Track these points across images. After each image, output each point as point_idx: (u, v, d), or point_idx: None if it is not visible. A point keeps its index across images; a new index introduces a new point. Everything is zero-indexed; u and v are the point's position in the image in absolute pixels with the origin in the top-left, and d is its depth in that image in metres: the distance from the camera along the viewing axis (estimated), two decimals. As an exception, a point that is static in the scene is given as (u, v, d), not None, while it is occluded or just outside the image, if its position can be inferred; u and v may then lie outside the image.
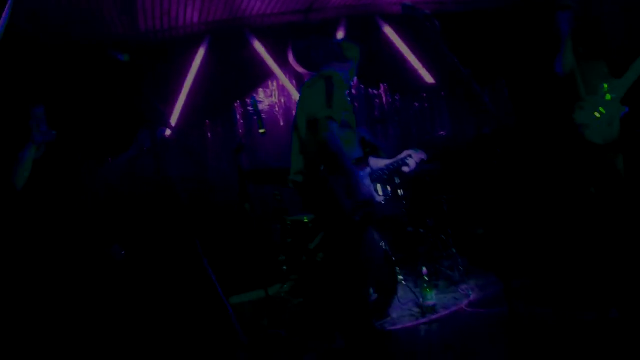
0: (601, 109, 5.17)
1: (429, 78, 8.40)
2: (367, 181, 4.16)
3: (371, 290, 4.93)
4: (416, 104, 8.40)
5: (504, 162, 6.67)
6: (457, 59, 3.14)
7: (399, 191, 4.86)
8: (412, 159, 4.72)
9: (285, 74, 7.74)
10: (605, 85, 5.22)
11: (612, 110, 5.19)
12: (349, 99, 4.37)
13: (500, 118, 3.28)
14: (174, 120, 6.93)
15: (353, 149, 4.24)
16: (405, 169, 4.72)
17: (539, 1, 5.59)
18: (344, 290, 4.26)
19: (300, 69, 7.64)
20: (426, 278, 5.18)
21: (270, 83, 7.76)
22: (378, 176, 4.59)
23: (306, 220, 5.77)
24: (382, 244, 5.29)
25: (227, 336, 5.20)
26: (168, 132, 6.74)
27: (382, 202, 4.47)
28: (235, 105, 7.48)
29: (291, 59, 7.58)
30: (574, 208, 5.58)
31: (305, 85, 4.54)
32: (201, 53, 7.28)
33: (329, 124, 3.95)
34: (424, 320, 4.91)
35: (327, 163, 4.01)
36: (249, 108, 6.99)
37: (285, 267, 5.98)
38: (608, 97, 5.16)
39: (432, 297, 5.12)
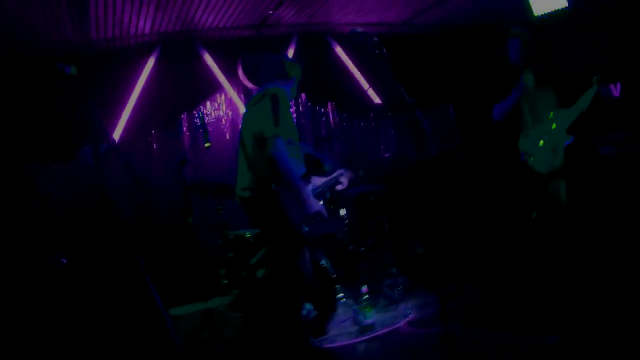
0: (542, 141, 5.35)
1: (376, 98, 8.55)
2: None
3: (311, 307, 4.98)
4: (362, 123, 8.53)
5: (447, 184, 6.85)
6: (405, 80, 3.24)
7: (340, 210, 4.94)
8: (344, 177, 4.89)
9: (233, 87, 7.75)
10: (552, 114, 5.40)
11: (557, 139, 5.37)
12: (293, 115, 4.45)
13: (440, 143, 3.38)
14: (119, 129, 6.86)
15: (299, 164, 4.34)
16: (339, 187, 4.89)
17: (488, 28, 5.76)
18: (281, 305, 4.37)
19: (248, 84, 7.65)
20: (366, 296, 5.24)
21: (218, 96, 7.75)
22: (319, 193, 4.68)
23: (248, 236, 5.79)
24: (324, 261, 5.36)
25: (165, 347, 5.17)
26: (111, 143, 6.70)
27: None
28: (182, 117, 7.45)
29: (240, 73, 7.60)
30: (515, 232, 5.73)
31: (251, 101, 4.61)
32: (151, 63, 7.23)
33: (276, 141, 4.05)
34: (362, 338, 4.97)
35: (276, 179, 4.13)
36: (196, 120, 6.97)
37: (225, 281, 5.99)
38: (554, 126, 5.34)
39: (371, 316, 5.17)
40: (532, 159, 5.41)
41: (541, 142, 5.40)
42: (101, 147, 4.23)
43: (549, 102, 5.57)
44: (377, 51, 3.14)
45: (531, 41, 5.58)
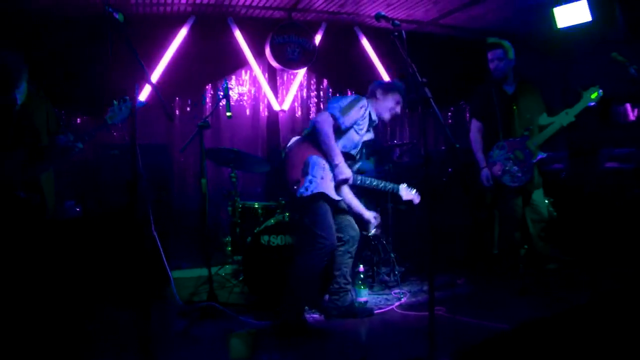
0: (513, 155, 5.45)
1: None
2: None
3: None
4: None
5: (453, 180, 7.01)
6: (425, 78, 3.41)
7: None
8: (404, 191, 5.29)
9: (259, 65, 7.92)
10: (527, 132, 5.47)
11: (527, 156, 5.45)
12: (363, 133, 4.96)
13: (450, 137, 3.51)
14: (145, 92, 7.05)
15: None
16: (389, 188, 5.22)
17: (511, 36, 5.89)
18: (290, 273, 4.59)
19: (274, 63, 7.93)
20: (362, 276, 5.41)
21: (243, 72, 7.96)
22: (366, 181, 5.03)
23: (257, 206, 6.00)
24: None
25: (165, 301, 5.40)
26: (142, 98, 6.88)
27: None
28: (207, 88, 7.66)
29: (268, 52, 7.84)
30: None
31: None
32: (183, 32, 7.41)
33: (325, 114, 4.65)
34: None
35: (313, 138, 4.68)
36: (220, 92, 7.16)
37: (229, 249, 6.20)
38: (530, 144, 5.45)
39: (365, 295, 5.36)
40: (501, 172, 5.52)
41: (512, 155, 5.49)
42: (137, 101, 4.40)
43: (536, 105, 5.63)
44: (396, 33, 3.33)
45: (513, 51, 5.63)
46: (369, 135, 5.11)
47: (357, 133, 4.89)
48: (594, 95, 5.32)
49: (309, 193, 4.46)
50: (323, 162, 4.61)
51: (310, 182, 4.48)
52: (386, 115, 5.07)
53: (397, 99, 5.05)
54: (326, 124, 4.56)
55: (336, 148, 4.60)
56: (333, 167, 4.61)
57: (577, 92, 5.43)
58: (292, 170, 4.56)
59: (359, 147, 5.03)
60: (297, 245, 5.09)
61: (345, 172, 4.62)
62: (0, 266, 3.96)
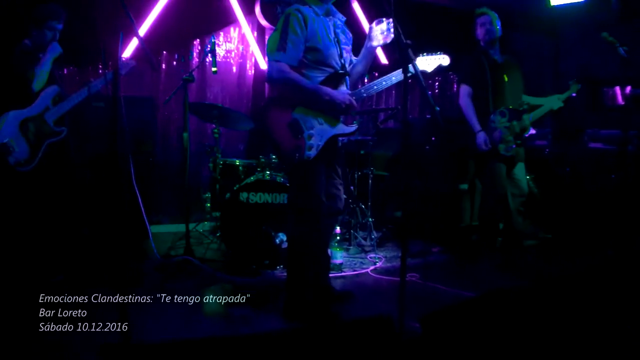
0: (515, 124, 5.43)
1: (384, 59, 8.71)
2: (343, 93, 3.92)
3: (284, 237, 5.16)
4: (366, 80, 8.70)
5: (437, 148, 7.04)
6: (415, 44, 3.37)
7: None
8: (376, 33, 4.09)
9: (248, 23, 7.82)
10: (526, 105, 5.49)
11: (522, 129, 5.45)
12: (325, 33, 3.97)
13: (430, 99, 3.42)
14: (133, 45, 6.96)
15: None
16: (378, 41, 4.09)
17: (503, 10, 5.85)
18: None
19: (264, 22, 7.84)
20: (338, 237, 5.44)
21: (232, 29, 7.85)
22: (375, 90, 4.16)
23: (238, 164, 5.99)
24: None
25: (143, 254, 5.44)
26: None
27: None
28: (194, 43, 7.58)
29: (257, 10, 7.75)
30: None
31: None
32: (173, -15, 7.30)
33: (270, 65, 3.87)
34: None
35: (283, 96, 3.93)
36: (207, 46, 7.08)
37: (208, 205, 6.21)
38: (526, 118, 5.45)
39: (340, 257, 5.40)
40: (499, 139, 5.47)
41: (509, 125, 5.45)
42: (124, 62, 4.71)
43: (517, 80, 5.62)
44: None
45: (499, 22, 5.62)
46: (338, 23, 4.15)
47: (324, 43, 3.92)
48: (575, 89, 5.60)
49: (315, 151, 3.83)
50: (307, 111, 3.87)
51: (312, 136, 3.82)
52: None
53: None
54: (280, 73, 3.79)
55: (312, 85, 3.84)
56: (325, 104, 3.84)
57: (568, 84, 5.63)
58: (283, 140, 3.81)
59: (337, 53, 4.04)
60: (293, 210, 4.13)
61: (342, 99, 3.86)
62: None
